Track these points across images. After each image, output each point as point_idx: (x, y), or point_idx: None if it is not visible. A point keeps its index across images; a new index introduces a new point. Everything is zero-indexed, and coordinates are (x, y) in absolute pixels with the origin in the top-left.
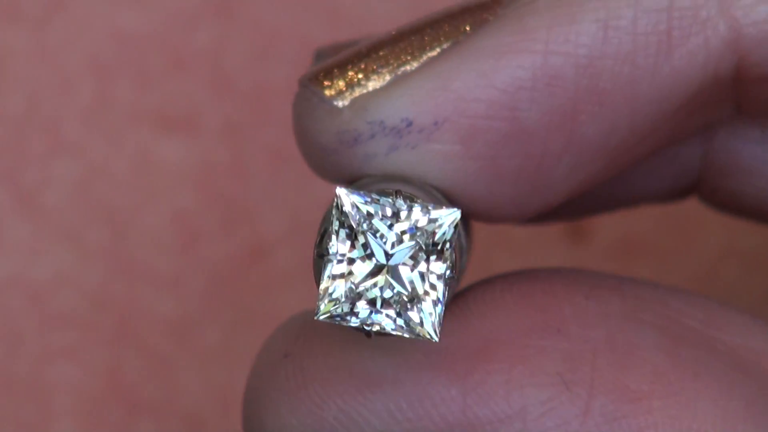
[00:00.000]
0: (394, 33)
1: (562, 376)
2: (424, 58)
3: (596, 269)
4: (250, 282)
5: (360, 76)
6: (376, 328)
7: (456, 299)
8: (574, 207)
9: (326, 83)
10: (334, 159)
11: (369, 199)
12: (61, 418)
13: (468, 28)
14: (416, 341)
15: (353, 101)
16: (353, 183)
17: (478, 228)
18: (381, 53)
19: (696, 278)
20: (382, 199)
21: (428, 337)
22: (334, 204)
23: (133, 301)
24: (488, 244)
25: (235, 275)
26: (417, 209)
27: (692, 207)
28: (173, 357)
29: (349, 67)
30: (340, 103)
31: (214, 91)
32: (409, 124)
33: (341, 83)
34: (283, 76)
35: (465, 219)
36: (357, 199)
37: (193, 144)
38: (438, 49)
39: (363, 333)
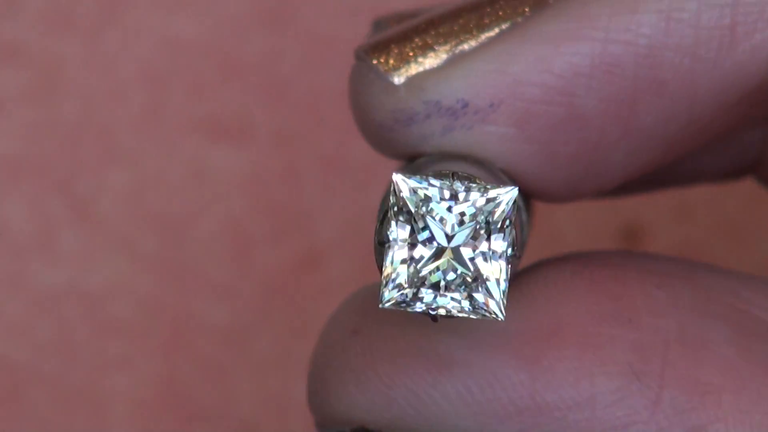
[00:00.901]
0: (452, 9)
1: (632, 366)
2: (483, 38)
3: None
4: (303, 290)
5: (417, 52)
6: (441, 311)
7: (525, 277)
8: (629, 184)
9: (383, 58)
10: (390, 136)
11: (426, 183)
12: (116, 427)
13: (527, 10)
14: (483, 321)
15: (409, 79)
16: (412, 161)
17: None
18: (439, 30)
19: None
20: (439, 182)
21: (494, 316)
22: (391, 189)
23: (187, 309)
24: (540, 246)
25: (288, 283)
26: (474, 189)
27: (747, 213)
28: (227, 365)
29: (407, 42)
30: (396, 80)
31: (267, 99)
32: (465, 105)
33: (398, 59)
34: (335, 84)
35: (524, 195)
36: (414, 183)
37: (246, 152)
38: (497, 29)
39: (429, 317)
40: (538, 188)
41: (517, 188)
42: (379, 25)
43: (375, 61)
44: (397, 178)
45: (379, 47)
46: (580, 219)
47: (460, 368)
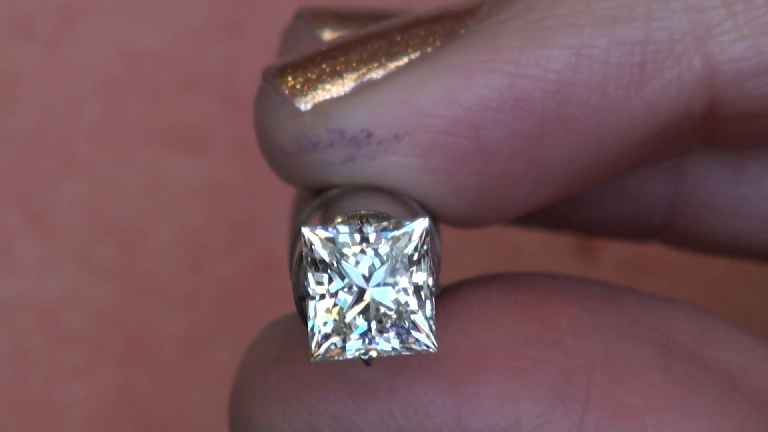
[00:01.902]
0: (362, 35)
1: (557, 389)
2: (391, 67)
3: None
4: (260, 299)
5: (325, 78)
6: (373, 354)
7: (450, 298)
8: (536, 219)
9: (290, 81)
10: (291, 162)
11: (335, 231)
12: None
13: (438, 41)
14: (415, 356)
15: (315, 106)
16: (320, 193)
17: (486, 242)
18: (348, 57)
19: (705, 296)
20: (348, 228)
21: (427, 349)
22: (303, 243)
23: (143, 319)
24: (497, 259)
25: (245, 292)
26: (384, 227)
27: None
28: (184, 375)
29: (315, 67)
30: (302, 106)
31: (225, 108)
32: (369, 135)
33: (305, 84)
34: None
35: (434, 220)
36: (324, 233)
37: (203, 161)
38: (406, 59)
39: (363, 362)
40: (441, 215)
41: (428, 218)
42: (301, 15)
43: (282, 85)
44: (306, 231)
45: (287, 70)
46: (535, 233)
47: (384, 394)
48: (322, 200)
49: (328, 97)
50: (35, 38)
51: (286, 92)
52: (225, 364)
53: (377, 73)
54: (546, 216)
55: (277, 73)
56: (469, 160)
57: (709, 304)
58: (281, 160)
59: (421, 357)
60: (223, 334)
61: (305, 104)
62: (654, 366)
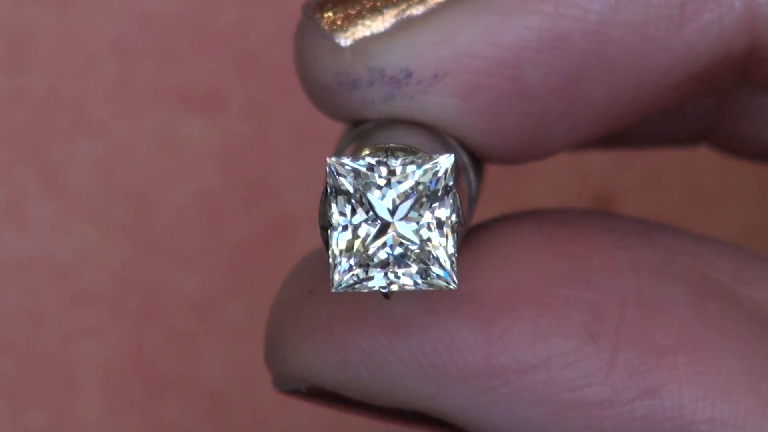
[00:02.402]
0: None
1: (587, 327)
2: (431, 3)
3: None
4: (273, 259)
5: (365, 13)
6: (393, 287)
7: (482, 235)
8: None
9: (330, 16)
10: (332, 98)
11: (361, 162)
12: (86, 396)
13: None
14: (436, 291)
15: (355, 43)
16: (357, 126)
17: (500, 194)
18: None
19: None
20: (375, 159)
21: (446, 286)
22: (328, 173)
23: (157, 279)
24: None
25: (259, 253)
26: (411, 161)
27: (717, 182)
28: (197, 334)
29: (355, 2)
30: (342, 42)
31: (238, 69)
32: (409, 75)
33: (345, 19)
34: None
35: (473, 156)
36: (349, 164)
37: (217, 122)
38: None
39: (382, 295)
40: (481, 153)
41: (453, 155)
42: None
43: (321, 19)
44: (332, 161)
45: (327, 5)
46: (551, 188)
47: (415, 330)
48: (357, 132)
49: (368, 33)
50: (48, 0)
51: (326, 27)
52: (237, 323)
53: (417, 9)
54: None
55: (316, 8)
56: (508, 100)
57: None
58: (321, 95)
59: (452, 294)
60: (235, 294)
61: (345, 40)
62: (687, 304)
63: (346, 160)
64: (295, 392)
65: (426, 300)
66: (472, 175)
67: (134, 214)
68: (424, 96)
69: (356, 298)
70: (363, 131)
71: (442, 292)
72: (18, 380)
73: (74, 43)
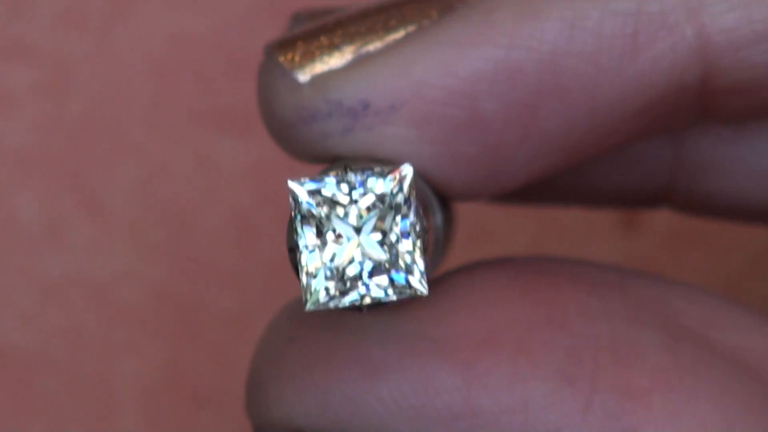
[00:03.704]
0: (360, 9)
1: (564, 371)
2: (388, 39)
3: (649, 259)
4: None
5: (323, 51)
6: (366, 300)
7: (460, 281)
8: (543, 195)
9: (290, 55)
10: (292, 133)
11: (322, 183)
12: (125, 412)
13: (434, 14)
14: (421, 318)
15: (314, 78)
16: (325, 168)
17: (529, 219)
18: (346, 30)
19: (750, 268)
20: (335, 178)
21: (419, 292)
22: (290, 197)
23: (193, 296)
24: (541, 233)
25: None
26: (370, 176)
27: None
28: (233, 350)
29: (314, 40)
30: (301, 78)
31: None
32: (367, 106)
33: (304, 57)
34: None
35: (439, 199)
36: (309, 185)
37: (252, 143)
38: (402, 32)
39: (356, 310)
40: (442, 187)
41: (410, 165)
42: (297, 19)
43: (282, 58)
44: (292, 184)
45: (287, 44)
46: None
47: (395, 373)
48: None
49: (326, 69)
50: (87, 26)
51: (286, 65)
52: None
53: (375, 46)
54: (549, 190)
55: (277, 47)
56: (465, 130)
57: (754, 276)
58: (282, 131)
59: (431, 338)
60: (270, 310)
61: (304, 76)
62: (660, 348)
63: (306, 182)
64: None
65: (405, 343)
66: (439, 216)
67: (171, 233)
68: (383, 127)
69: (336, 342)
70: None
71: (422, 332)
72: (58, 397)
73: (112, 67)
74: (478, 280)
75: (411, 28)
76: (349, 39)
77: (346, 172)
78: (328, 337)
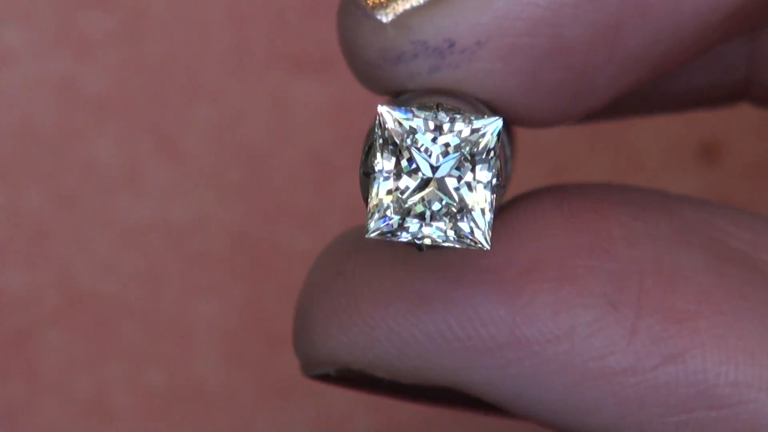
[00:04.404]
0: None
1: (609, 296)
2: None
3: (728, 191)
4: None
5: None
6: (427, 241)
7: (505, 211)
8: (623, 107)
9: None
10: (378, 74)
11: (411, 115)
12: (203, 353)
13: None
14: (468, 252)
15: (396, 18)
16: (397, 97)
17: (607, 148)
18: None
19: None
20: (424, 114)
21: (480, 245)
22: (377, 121)
23: (272, 237)
24: (621, 167)
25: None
26: (459, 120)
27: None
28: None
29: None
30: (383, 18)
31: None
32: (452, 44)
33: None
34: None
35: (508, 127)
36: (399, 115)
37: (328, 84)
38: None
39: (414, 247)
40: (525, 114)
41: (501, 119)
42: None
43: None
44: (383, 110)
45: None
46: (657, 136)
47: (440, 306)
48: (400, 99)
49: (407, 7)
50: None
51: (367, 6)
52: None
53: None
54: (629, 101)
55: None
56: (550, 58)
57: None
58: (368, 73)
59: (476, 269)
60: None
61: (386, 16)
62: (706, 270)
63: (397, 111)
64: (324, 377)
65: (450, 276)
66: (508, 149)
67: (249, 176)
68: (469, 64)
69: (383, 277)
70: (404, 100)
71: (469, 264)
72: (137, 340)
73: (189, 11)
74: (521, 208)
75: None
76: None
77: (438, 111)
78: (374, 272)
